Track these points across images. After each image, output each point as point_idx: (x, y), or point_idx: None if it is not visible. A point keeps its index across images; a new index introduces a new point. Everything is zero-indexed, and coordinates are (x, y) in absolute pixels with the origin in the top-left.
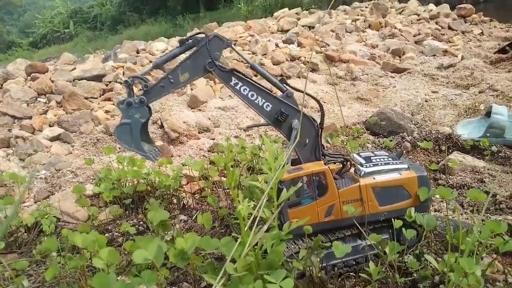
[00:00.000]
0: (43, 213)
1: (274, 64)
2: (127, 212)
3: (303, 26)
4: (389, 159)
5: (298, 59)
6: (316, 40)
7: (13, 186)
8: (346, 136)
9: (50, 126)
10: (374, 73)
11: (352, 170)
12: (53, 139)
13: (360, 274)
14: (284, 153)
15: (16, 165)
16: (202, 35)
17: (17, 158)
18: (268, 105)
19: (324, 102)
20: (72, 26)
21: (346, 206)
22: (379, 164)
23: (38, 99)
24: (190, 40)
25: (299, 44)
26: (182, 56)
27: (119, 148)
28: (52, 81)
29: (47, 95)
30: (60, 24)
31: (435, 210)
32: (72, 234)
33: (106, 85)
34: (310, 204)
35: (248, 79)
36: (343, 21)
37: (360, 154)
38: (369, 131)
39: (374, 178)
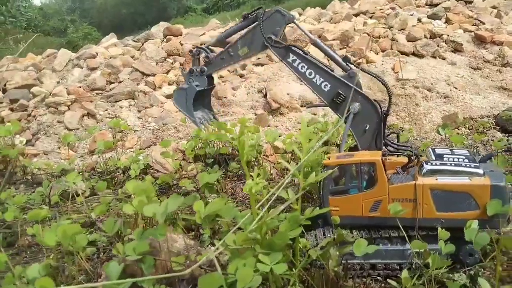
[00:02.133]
0: (136, 159)
1: (408, 41)
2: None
3: (458, 0)
4: (465, 160)
5: (439, 37)
6: (469, 17)
7: (128, 132)
8: (469, 130)
9: (169, 84)
10: None
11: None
12: (168, 96)
13: (389, 280)
14: (324, 136)
15: (133, 115)
16: (268, 10)
17: (136, 109)
18: (326, 84)
19: (455, 88)
20: None
21: (393, 204)
22: (449, 164)
23: (167, 59)
24: (253, 15)
25: (447, 20)
26: None
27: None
28: (182, 44)
29: (174, 56)
30: None
31: None
32: (129, 182)
33: None
34: (354, 195)
35: (307, 56)
36: None
37: (435, 149)
38: (499, 127)
39: (437, 179)
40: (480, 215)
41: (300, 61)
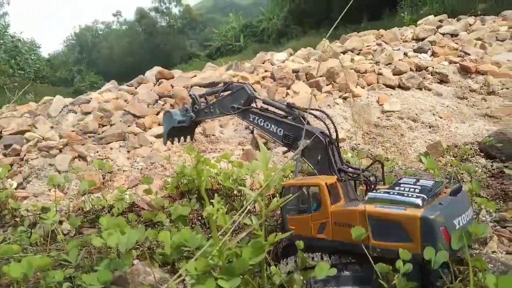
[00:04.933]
0: (120, 197)
1: (394, 74)
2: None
3: (443, 34)
4: (416, 190)
5: (425, 69)
6: (455, 49)
7: (117, 172)
8: (454, 157)
9: (159, 125)
10: None
11: None
12: (158, 136)
13: None
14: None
15: (123, 156)
16: (238, 84)
17: (125, 150)
18: (280, 130)
19: (441, 117)
20: (242, 39)
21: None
22: (392, 192)
23: (158, 101)
24: (230, 85)
25: (433, 54)
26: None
27: (199, 148)
28: (173, 86)
29: (165, 98)
30: (232, 38)
31: (508, 253)
32: (104, 218)
33: None
34: (305, 216)
35: (263, 112)
36: (496, 28)
37: (402, 178)
38: (483, 154)
39: (375, 207)
40: (412, 248)
41: (258, 117)
